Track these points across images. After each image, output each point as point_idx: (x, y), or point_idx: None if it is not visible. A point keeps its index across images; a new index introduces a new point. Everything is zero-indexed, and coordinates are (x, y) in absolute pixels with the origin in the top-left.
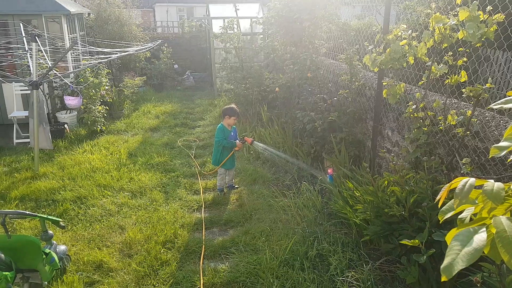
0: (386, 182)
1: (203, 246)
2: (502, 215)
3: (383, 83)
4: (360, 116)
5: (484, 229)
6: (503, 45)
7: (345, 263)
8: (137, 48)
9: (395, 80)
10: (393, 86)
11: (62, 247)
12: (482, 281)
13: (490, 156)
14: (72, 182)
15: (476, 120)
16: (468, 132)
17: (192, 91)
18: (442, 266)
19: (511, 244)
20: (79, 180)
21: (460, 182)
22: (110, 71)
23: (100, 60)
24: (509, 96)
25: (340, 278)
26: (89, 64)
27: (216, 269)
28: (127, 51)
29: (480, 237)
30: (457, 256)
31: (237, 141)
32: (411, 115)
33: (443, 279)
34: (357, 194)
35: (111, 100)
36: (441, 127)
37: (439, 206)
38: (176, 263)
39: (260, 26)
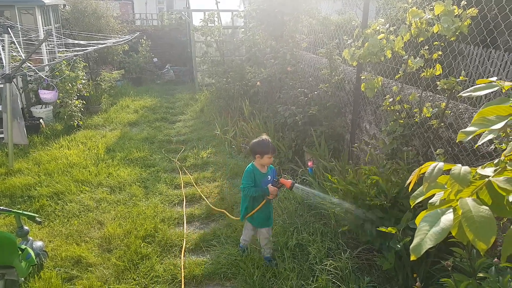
0: (359, 172)
1: (184, 239)
2: (468, 197)
3: (362, 77)
4: (339, 110)
5: (451, 210)
6: (476, 39)
7: (324, 252)
8: (114, 41)
9: (373, 74)
10: (371, 80)
11: (39, 243)
12: (454, 266)
13: (457, 140)
14: (48, 178)
15: (450, 112)
16: (442, 124)
17: (172, 85)
18: (411, 246)
19: (476, 224)
20: (55, 176)
21: (430, 167)
22: (87, 64)
23: (76, 53)
24: (479, 84)
25: (319, 267)
26: (65, 57)
27: (197, 261)
28: (104, 43)
29: (447, 218)
30: (425, 236)
31: (270, 185)
32: (388, 108)
33: (412, 258)
34: (336, 185)
35: (88, 94)
36: (416, 119)
37: (409, 190)
38: (157, 256)
39: (241, 20)
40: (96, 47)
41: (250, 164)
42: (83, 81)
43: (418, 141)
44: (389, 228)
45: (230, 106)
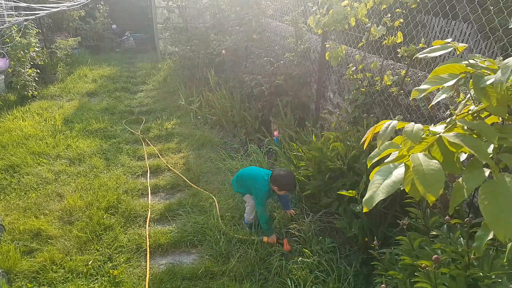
0: (323, 139)
1: (149, 209)
2: (420, 153)
3: (326, 46)
4: (305, 80)
5: (403, 164)
6: (436, 8)
7: (288, 216)
8: (69, 4)
9: (337, 43)
10: (335, 49)
11: None
12: (409, 225)
13: (411, 98)
14: (2, 150)
15: (409, 79)
16: (402, 91)
17: (133, 54)
18: (364, 199)
19: (426, 176)
20: (10, 148)
21: (384, 125)
22: (40, 31)
23: (27, 17)
24: (434, 45)
25: (284, 230)
26: (15, 22)
27: (162, 231)
28: (58, 7)
29: (399, 171)
30: (377, 188)
31: (273, 236)
32: (351, 77)
33: (365, 210)
34: (301, 152)
35: (42, 63)
36: (377, 88)
37: (364, 147)
38: (121, 227)
39: None
40: (49, 11)
41: (265, 182)
42: (37, 49)
43: (379, 109)
44: (349, 191)
45: (195, 76)
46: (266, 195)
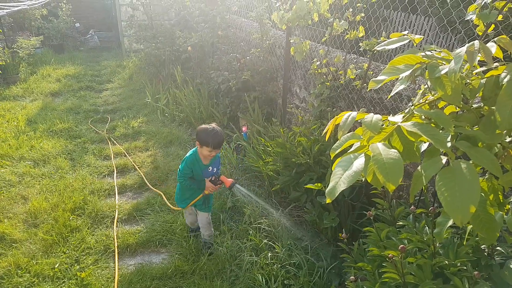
0: (290, 134)
1: (116, 209)
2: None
3: (291, 41)
4: (272, 75)
5: (363, 154)
6: (396, 3)
7: (258, 212)
8: (30, 3)
9: (302, 38)
10: (300, 44)
11: None
12: (376, 217)
13: (368, 89)
14: None
15: (372, 72)
16: (365, 85)
17: (98, 52)
18: (326, 190)
19: (385, 165)
20: None
21: (344, 116)
22: (1, 30)
23: None
24: (392, 38)
25: (254, 225)
26: None
27: (131, 231)
28: (18, 6)
29: (359, 161)
30: (339, 179)
31: (208, 180)
32: (316, 72)
33: (328, 201)
34: (268, 148)
35: (3, 63)
36: (341, 81)
37: (326, 139)
38: (88, 228)
39: None
40: (9, 10)
41: (192, 150)
42: None
43: (344, 102)
44: (316, 184)
45: (161, 73)
46: (190, 162)
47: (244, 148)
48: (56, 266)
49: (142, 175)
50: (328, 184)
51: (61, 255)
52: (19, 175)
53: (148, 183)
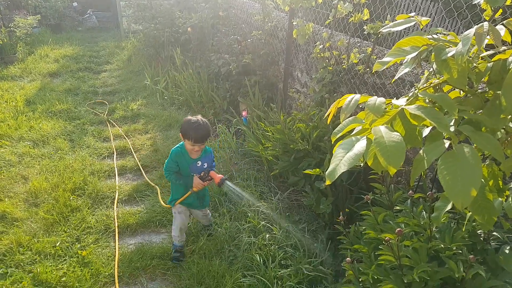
0: (289, 119)
1: (116, 190)
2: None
3: (294, 23)
4: (273, 59)
5: (365, 137)
6: None
7: (257, 195)
8: None
9: (305, 20)
10: (303, 26)
11: None
12: (374, 201)
13: (373, 71)
14: None
15: (375, 57)
16: (368, 69)
17: (96, 33)
18: (327, 172)
19: (387, 148)
20: None
21: (347, 99)
22: None
23: None
24: (398, 20)
25: (252, 208)
26: None
27: (131, 211)
28: None
29: (361, 144)
30: (340, 161)
31: (196, 175)
32: (318, 55)
33: (327, 182)
34: (268, 133)
35: (1, 42)
36: (344, 66)
37: (327, 123)
38: (88, 208)
39: None
40: None
41: (181, 143)
42: None
43: (345, 88)
44: (314, 170)
45: (160, 55)
46: (175, 155)
47: (244, 132)
48: (57, 245)
49: (141, 169)
50: (327, 169)
51: (62, 234)
52: (19, 155)
53: (145, 176)
